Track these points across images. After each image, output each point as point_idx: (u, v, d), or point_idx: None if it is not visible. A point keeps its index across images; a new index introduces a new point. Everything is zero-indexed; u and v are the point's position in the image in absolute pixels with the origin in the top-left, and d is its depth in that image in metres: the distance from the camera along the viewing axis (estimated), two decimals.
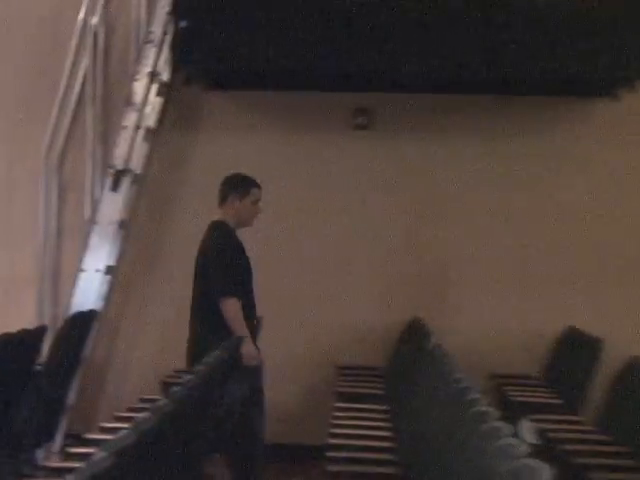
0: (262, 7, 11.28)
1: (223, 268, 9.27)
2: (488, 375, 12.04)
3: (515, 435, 5.60)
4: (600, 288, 12.87)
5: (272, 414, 10.42)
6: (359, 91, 12.68)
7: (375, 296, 12.68)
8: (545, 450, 8.66)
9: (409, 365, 10.68)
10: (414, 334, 11.82)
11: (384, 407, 10.22)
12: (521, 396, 11.35)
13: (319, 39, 11.01)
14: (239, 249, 9.48)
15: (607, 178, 12.91)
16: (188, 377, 6.89)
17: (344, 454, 8.08)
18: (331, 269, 12.74)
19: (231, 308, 9.13)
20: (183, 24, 11.35)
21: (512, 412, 10.32)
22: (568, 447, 8.85)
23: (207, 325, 9.28)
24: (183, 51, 11.53)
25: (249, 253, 9.73)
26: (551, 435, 9.33)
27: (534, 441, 9.17)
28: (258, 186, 9.53)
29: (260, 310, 10.16)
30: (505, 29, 11.40)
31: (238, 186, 9.51)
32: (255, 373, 9.34)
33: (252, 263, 9.78)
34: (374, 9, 11.24)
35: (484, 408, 5.89)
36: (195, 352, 9.05)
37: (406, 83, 12.41)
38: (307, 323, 12.57)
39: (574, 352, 12.44)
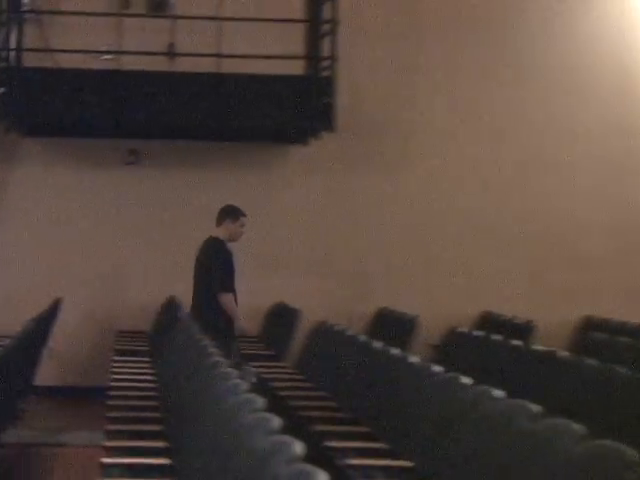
0: (61, 79, 12.37)
1: (221, 271, 10.76)
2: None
3: (240, 376, 7.24)
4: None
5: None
6: (130, 137, 13.61)
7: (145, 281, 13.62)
8: (260, 387, 9.37)
9: (167, 329, 11.97)
10: (171, 306, 13.26)
11: (149, 359, 11.77)
12: (244, 349, 12.18)
13: (103, 101, 12.15)
14: (230, 257, 10.93)
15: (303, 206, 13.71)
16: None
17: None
18: (123, 256, 13.48)
19: (228, 300, 10.66)
20: (1, 90, 12.34)
21: (239, 360, 11.07)
22: (276, 384, 10.44)
23: (208, 306, 10.70)
24: (3, 110, 12.70)
25: None
26: (265, 376, 10.78)
27: (253, 380, 9.66)
28: (244, 215, 11.00)
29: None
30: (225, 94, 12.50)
31: (231, 213, 10.99)
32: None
33: None
34: (143, 81, 12.34)
35: (217, 358, 7.51)
36: (201, 322, 10.52)
37: (161, 133, 13.54)
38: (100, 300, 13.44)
39: (280, 320, 13.65)
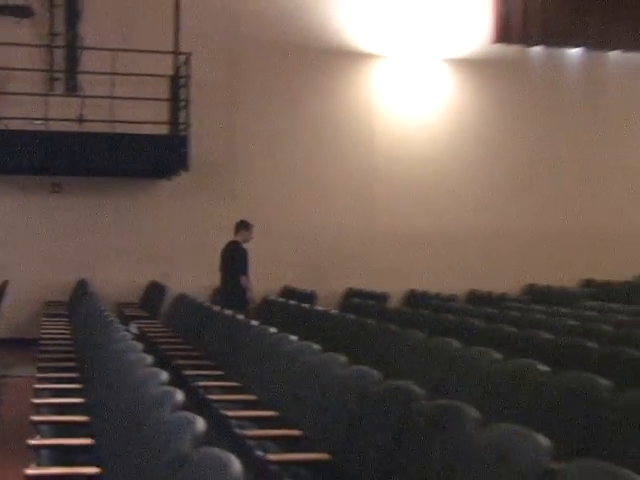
0: (9, 137, 13.57)
1: (242, 261, 12.53)
2: (115, 304, 14.31)
3: (127, 330, 8.76)
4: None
5: None
6: (54, 174, 14.89)
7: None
8: (141, 337, 10.11)
9: (79, 300, 13.07)
10: (82, 285, 14.31)
11: (67, 320, 12.33)
12: (129, 312, 13.96)
13: (36, 150, 13.44)
14: (246, 253, 12.60)
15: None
16: None
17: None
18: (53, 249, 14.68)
19: (246, 280, 12.51)
20: None
21: (127, 319, 12.73)
22: (152, 334, 11.42)
23: (232, 285, 12.59)
24: None
25: None
26: (144, 330, 11.73)
27: (136, 332, 10.87)
28: (252, 225, 12.72)
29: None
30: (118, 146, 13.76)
31: (245, 225, 12.79)
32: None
33: None
34: (63, 138, 13.69)
35: (110, 318, 8.66)
36: (226, 298, 12.38)
37: (75, 172, 14.70)
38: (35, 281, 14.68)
39: (152, 292, 14.92)
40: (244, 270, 12.57)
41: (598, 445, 4.97)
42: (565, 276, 16.25)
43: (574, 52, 17.09)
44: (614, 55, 17.22)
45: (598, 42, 16.73)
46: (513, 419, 4.56)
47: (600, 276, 16.34)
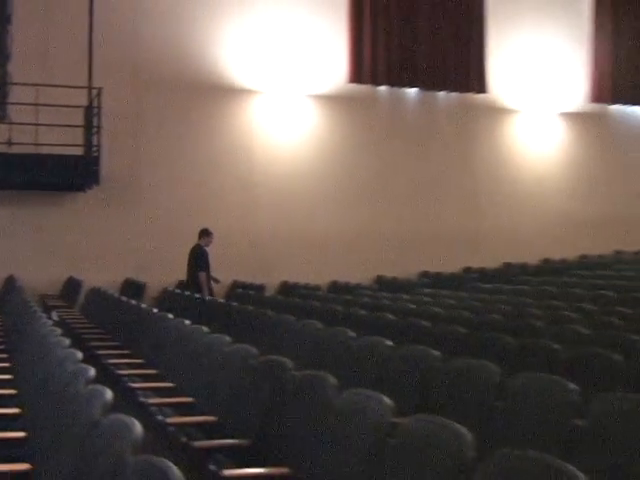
0: None
1: (202, 260, 12.73)
2: (39, 296, 13.69)
3: (49, 317, 8.62)
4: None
5: None
6: None
7: None
8: (61, 323, 9.71)
9: (4, 292, 13.13)
10: (10, 280, 13.83)
11: None
12: (51, 303, 13.24)
13: None
14: (207, 254, 12.80)
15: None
16: None
17: None
18: None
19: (203, 275, 12.69)
20: None
21: (48, 308, 12.35)
22: (70, 321, 10.93)
23: (194, 279, 12.67)
24: None
25: None
26: (64, 317, 11.29)
27: (56, 319, 10.44)
28: (212, 233, 12.96)
29: None
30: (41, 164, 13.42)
31: (207, 233, 13.05)
32: None
33: None
34: None
35: (34, 308, 8.70)
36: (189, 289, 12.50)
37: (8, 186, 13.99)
38: None
39: (68, 285, 14.37)
40: (203, 267, 12.77)
41: (431, 403, 5.08)
42: (407, 268, 16.48)
43: (411, 91, 17.40)
44: (441, 94, 17.70)
45: (427, 83, 17.17)
46: (365, 385, 4.60)
47: (434, 268, 16.63)
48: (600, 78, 18.70)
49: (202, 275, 12.73)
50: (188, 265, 13.04)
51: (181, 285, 13.84)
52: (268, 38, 15.95)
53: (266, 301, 11.52)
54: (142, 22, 15.15)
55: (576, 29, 18.92)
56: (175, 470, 2.53)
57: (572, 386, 4.23)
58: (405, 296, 12.15)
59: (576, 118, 18.76)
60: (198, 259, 12.84)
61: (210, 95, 15.64)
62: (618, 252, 18.24)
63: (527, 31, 18.21)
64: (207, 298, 12.03)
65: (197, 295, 12.18)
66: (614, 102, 18.93)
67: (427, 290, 13.39)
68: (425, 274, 16.54)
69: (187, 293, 12.48)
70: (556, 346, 6.07)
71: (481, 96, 17.75)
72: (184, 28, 15.42)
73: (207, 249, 12.96)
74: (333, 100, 16.41)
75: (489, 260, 16.89)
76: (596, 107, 19.00)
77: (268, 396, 4.73)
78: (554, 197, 18.34)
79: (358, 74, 16.54)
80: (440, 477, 3.11)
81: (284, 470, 4.04)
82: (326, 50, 16.38)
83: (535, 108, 18.37)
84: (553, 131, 18.65)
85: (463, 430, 3.16)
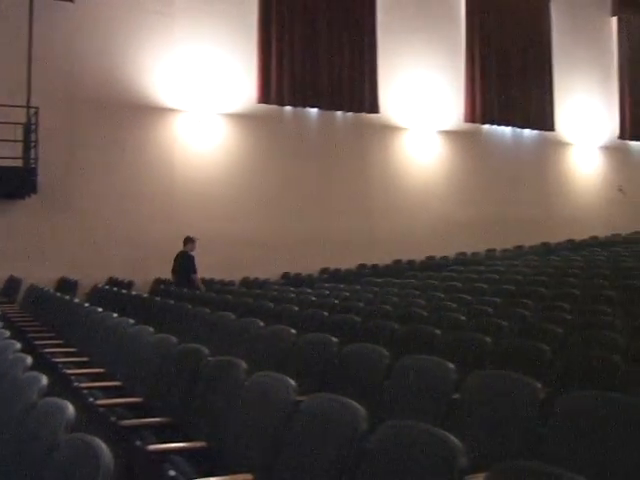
0: None
1: (190, 264, 12.66)
2: None
3: None
4: None
5: None
6: None
7: None
8: (1, 317, 9.03)
9: None
10: None
11: None
12: None
13: None
14: (193, 258, 12.73)
15: None
16: None
17: None
18: None
19: (195, 276, 12.74)
20: None
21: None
22: (10, 315, 10.32)
23: (183, 280, 12.59)
24: None
25: None
26: (5, 312, 10.43)
27: None
28: (196, 239, 12.87)
29: None
30: None
31: (191, 240, 12.91)
32: None
33: None
34: None
35: None
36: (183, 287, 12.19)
37: None
38: None
39: (9, 283, 13.78)
40: (193, 269, 12.77)
41: (331, 383, 5.07)
42: (309, 266, 16.45)
43: (313, 111, 17.47)
44: (339, 114, 17.79)
45: (327, 104, 17.28)
46: (272, 368, 4.61)
47: (333, 265, 16.66)
48: (472, 102, 19.40)
49: (196, 277, 12.78)
50: (174, 269, 12.99)
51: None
52: (188, 64, 15.81)
53: (185, 296, 11.27)
54: (79, 50, 14.91)
55: (452, 60, 19.57)
56: (104, 446, 2.51)
57: (450, 365, 4.31)
58: (308, 290, 12.13)
59: (454, 135, 19.27)
60: (187, 264, 12.77)
61: (137, 113, 15.40)
62: (490, 250, 18.60)
63: (412, 61, 18.62)
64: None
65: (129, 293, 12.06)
66: (484, 122, 19.80)
67: (327, 284, 13.36)
68: (325, 270, 16.51)
69: (115, 289, 12.40)
70: (437, 331, 6.17)
71: (374, 115, 17.94)
72: (116, 56, 15.16)
73: (193, 254, 12.91)
74: (244, 118, 16.36)
75: (381, 258, 16.98)
76: (470, 126, 19.63)
77: (187, 380, 4.68)
78: (436, 203, 18.72)
79: (266, 95, 16.53)
80: (337, 447, 3.12)
81: (202, 444, 4.03)
82: (238, 74, 16.33)
83: (420, 127, 18.71)
84: (435, 146, 19.02)
85: (357, 405, 3.20)
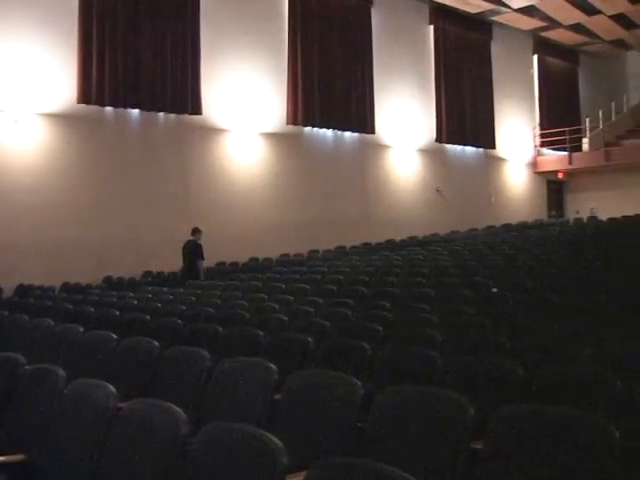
0: None
1: (198, 252, 14.20)
2: None
3: None
4: None
5: None
6: None
7: None
8: None
9: None
10: None
11: None
12: None
13: None
14: (201, 246, 14.20)
15: None
16: None
17: None
18: None
19: (201, 262, 14.23)
20: None
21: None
22: None
23: (191, 267, 14.08)
24: None
25: None
26: None
27: None
28: (201, 230, 14.34)
29: None
30: None
31: (197, 230, 14.44)
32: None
33: None
34: None
35: None
36: (187, 275, 13.92)
37: None
38: None
39: None
40: (200, 256, 14.24)
41: (154, 387, 5.06)
42: (132, 269, 16.12)
43: (134, 112, 17.17)
44: (161, 115, 17.55)
45: (149, 105, 17.03)
46: (93, 375, 4.50)
47: (156, 268, 16.43)
48: (295, 105, 19.79)
49: (202, 263, 14.21)
50: (185, 257, 14.33)
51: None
52: (6, 65, 15.11)
53: (3, 303, 10.95)
54: None
55: (276, 63, 19.85)
56: None
57: (272, 366, 4.36)
58: (130, 294, 11.97)
59: (276, 137, 19.55)
60: (196, 251, 14.17)
61: None
62: (312, 251, 19.05)
63: (236, 63, 18.69)
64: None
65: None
66: (306, 125, 20.19)
67: (149, 288, 13.21)
68: (147, 273, 16.25)
69: None
70: (261, 333, 6.28)
71: (196, 117, 17.80)
72: None
73: (200, 242, 14.26)
74: (63, 119, 15.78)
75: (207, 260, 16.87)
76: (293, 128, 19.88)
77: (3, 389, 4.53)
78: (259, 204, 18.89)
79: (87, 95, 16.00)
80: (159, 451, 3.12)
81: (20, 457, 3.91)
82: (56, 73, 15.71)
83: (241, 128, 18.77)
84: (257, 148, 19.16)
85: (177, 409, 3.20)
